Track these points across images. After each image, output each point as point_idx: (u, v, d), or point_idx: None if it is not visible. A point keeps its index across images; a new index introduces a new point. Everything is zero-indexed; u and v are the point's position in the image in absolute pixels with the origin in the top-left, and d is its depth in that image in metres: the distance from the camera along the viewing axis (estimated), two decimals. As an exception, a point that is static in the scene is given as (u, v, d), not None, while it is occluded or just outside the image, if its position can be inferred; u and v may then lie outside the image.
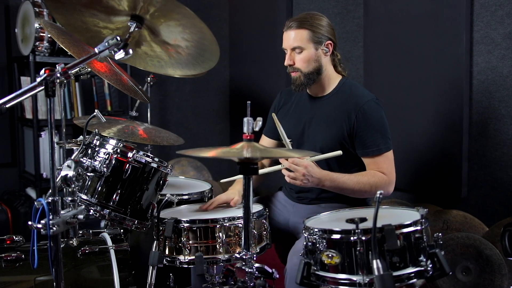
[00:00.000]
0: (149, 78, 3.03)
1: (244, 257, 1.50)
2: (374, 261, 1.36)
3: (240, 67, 4.25)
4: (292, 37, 2.09)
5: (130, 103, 3.72)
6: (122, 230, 2.24)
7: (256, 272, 1.49)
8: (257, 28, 4.06)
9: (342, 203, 2.12)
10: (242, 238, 1.52)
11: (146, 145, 2.93)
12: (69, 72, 1.44)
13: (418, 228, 1.47)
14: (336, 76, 2.20)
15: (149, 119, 3.15)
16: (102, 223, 3.13)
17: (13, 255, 1.86)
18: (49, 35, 3.26)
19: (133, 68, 3.35)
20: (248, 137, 1.49)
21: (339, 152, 1.97)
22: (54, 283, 1.45)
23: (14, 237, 2.05)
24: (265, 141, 2.40)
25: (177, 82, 4.26)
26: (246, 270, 1.49)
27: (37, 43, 3.26)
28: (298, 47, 2.09)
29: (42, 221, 1.39)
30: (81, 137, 2.27)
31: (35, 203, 1.41)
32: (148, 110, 3.15)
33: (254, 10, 4.12)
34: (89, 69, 2.11)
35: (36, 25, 3.21)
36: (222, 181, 2.28)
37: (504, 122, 2.58)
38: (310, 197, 2.20)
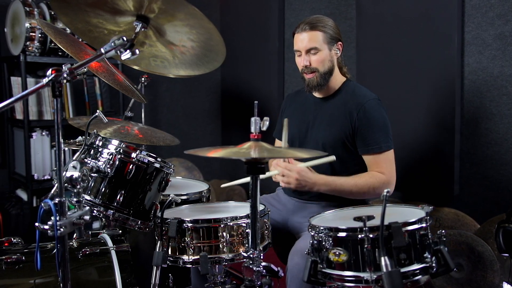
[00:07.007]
0: (143, 78, 3.00)
1: (251, 256, 1.51)
2: (382, 258, 1.38)
3: (232, 67, 4.25)
4: (307, 39, 2.12)
5: (122, 103, 3.68)
6: (120, 231, 2.23)
7: (264, 271, 1.51)
8: (249, 28, 4.06)
9: (342, 202, 2.13)
10: (249, 237, 1.53)
11: (141, 145, 2.91)
12: (76, 72, 1.44)
13: (423, 225, 1.50)
14: (341, 77, 2.24)
15: (143, 119, 3.13)
16: (97, 224, 3.11)
17: (13, 257, 1.84)
18: (40, 35, 3.22)
19: (125, 68, 3.33)
20: (256, 137, 1.50)
21: (332, 158, 1.97)
22: (61, 284, 1.44)
23: (12, 239, 2.04)
24: (277, 144, 2.44)
25: (168, 82, 4.23)
26: (254, 268, 1.50)
27: (27, 43, 3.20)
28: (314, 48, 2.12)
29: (49, 222, 1.38)
30: (79, 138, 2.27)
31: (42, 204, 1.39)
32: (142, 110, 3.12)
33: (246, 10, 4.12)
34: (85, 69, 2.09)
35: (27, 24, 3.16)
36: (222, 186, 2.29)
37: (495, 121, 2.62)
38: (311, 194, 2.21)
